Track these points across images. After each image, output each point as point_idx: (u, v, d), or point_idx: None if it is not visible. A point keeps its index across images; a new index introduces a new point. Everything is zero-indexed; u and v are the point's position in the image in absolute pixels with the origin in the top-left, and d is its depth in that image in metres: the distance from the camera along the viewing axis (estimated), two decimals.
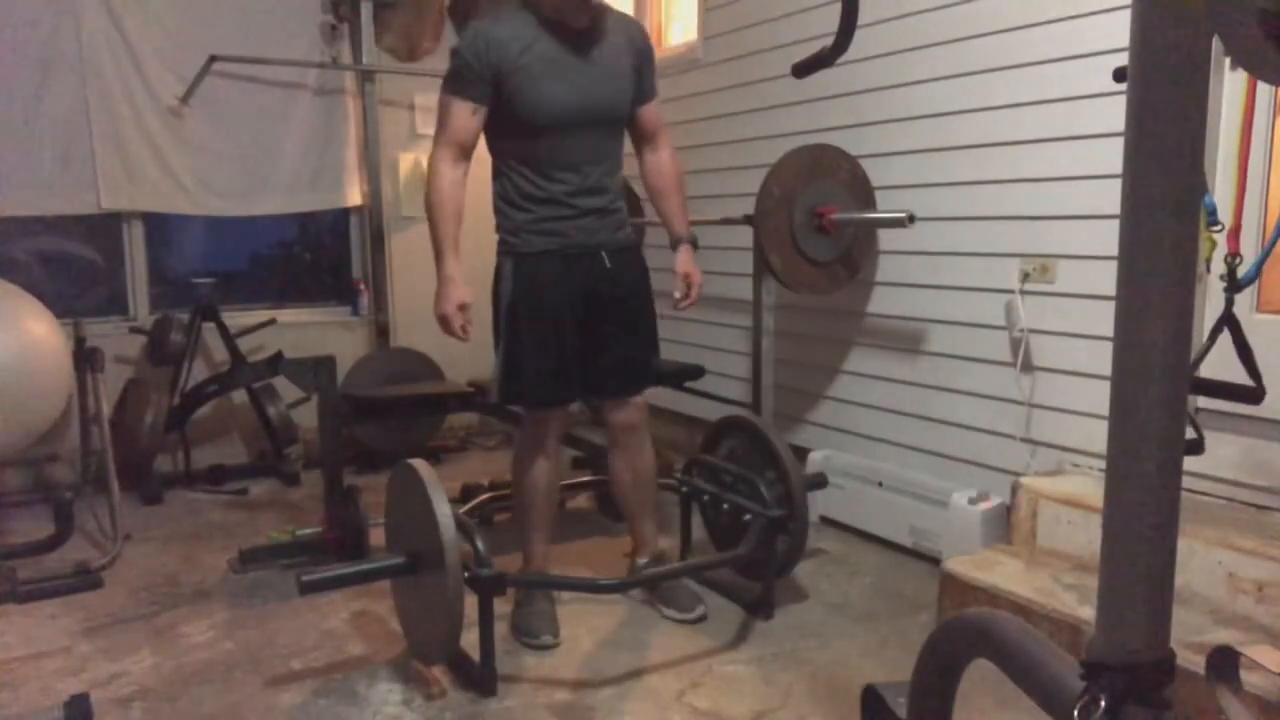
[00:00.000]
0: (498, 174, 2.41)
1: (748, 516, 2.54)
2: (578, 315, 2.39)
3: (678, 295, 2.54)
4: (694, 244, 2.59)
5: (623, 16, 2.45)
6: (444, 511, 2.04)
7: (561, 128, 2.30)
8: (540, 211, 2.34)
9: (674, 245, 2.56)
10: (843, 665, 2.28)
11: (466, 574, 2.09)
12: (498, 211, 2.41)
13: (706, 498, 2.75)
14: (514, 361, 2.36)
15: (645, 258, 2.58)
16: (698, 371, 3.46)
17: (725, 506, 2.66)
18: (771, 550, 2.52)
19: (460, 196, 2.31)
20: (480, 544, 2.15)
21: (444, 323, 2.32)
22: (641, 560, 2.65)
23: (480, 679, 2.15)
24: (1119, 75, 1.63)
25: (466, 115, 2.28)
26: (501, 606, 2.36)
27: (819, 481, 2.88)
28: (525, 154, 2.33)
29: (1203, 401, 2.34)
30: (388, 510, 2.35)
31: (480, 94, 2.26)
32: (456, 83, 2.28)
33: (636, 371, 2.51)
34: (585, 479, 3.31)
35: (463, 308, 2.30)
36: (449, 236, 2.30)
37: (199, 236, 4.37)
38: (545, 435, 2.41)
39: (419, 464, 2.17)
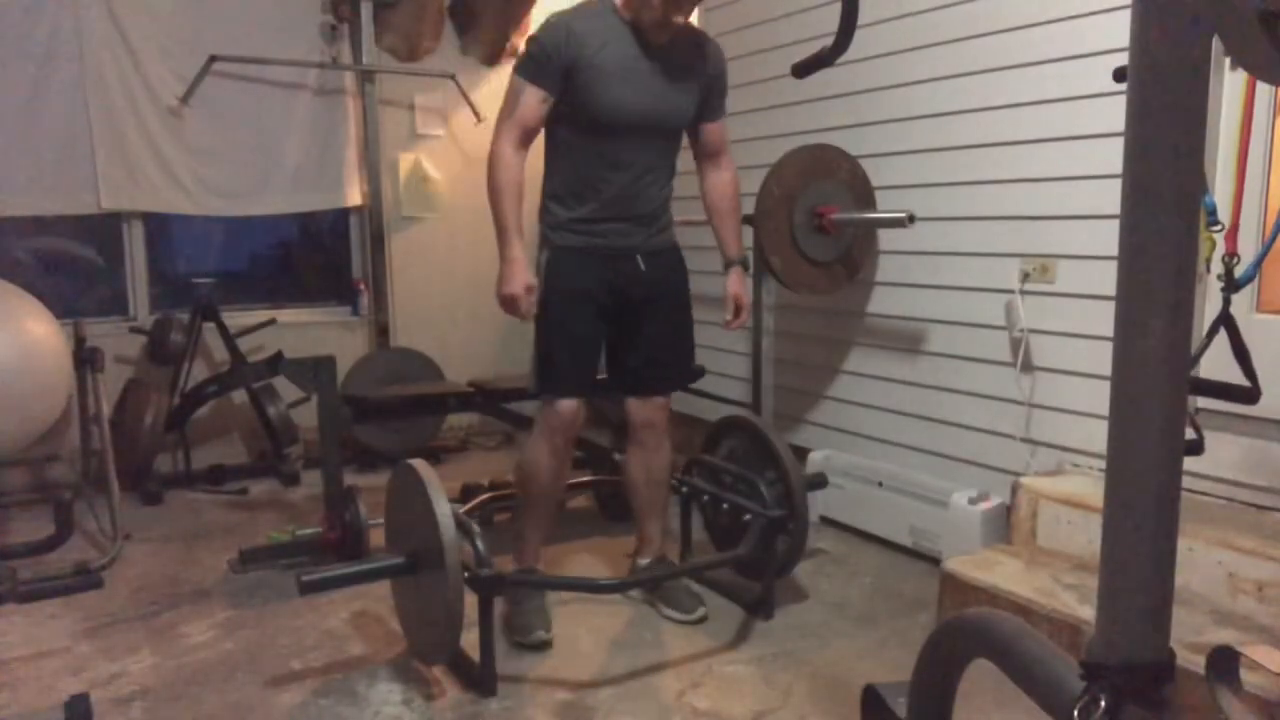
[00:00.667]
0: (549, 166, 2.42)
1: (748, 516, 2.54)
2: (608, 314, 2.42)
3: (727, 317, 2.56)
4: (745, 266, 2.60)
5: (702, 34, 2.46)
6: (444, 511, 2.04)
7: (622, 130, 2.32)
8: (582, 211, 2.36)
9: (726, 266, 2.57)
10: (843, 665, 2.28)
11: (466, 574, 2.09)
12: (543, 205, 2.43)
13: (706, 498, 2.75)
14: (546, 354, 2.39)
15: (685, 259, 2.58)
16: (698, 371, 3.46)
17: (725, 506, 2.66)
18: (771, 550, 2.52)
19: (521, 179, 2.31)
20: (480, 544, 2.15)
21: (509, 304, 2.29)
22: (644, 560, 2.65)
23: (480, 679, 2.15)
24: (1119, 75, 1.63)
25: (536, 102, 2.27)
26: (498, 606, 2.37)
27: (819, 481, 2.88)
28: (580, 150, 2.34)
29: (1202, 401, 2.34)
30: (388, 510, 2.35)
31: (553, 83, 2.26)
32: (532, 68, 2.26)
33: (666, 371, 2.53)
34: (585, 479, 3.31)
35: (529, 289, 2.29)
36: (512, 218, 2.29)
37: (199, 236, 4.37)
38: (558, 427, 2.39)
39: (419, 464, 2.17)
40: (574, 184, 2.36)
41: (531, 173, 2.37)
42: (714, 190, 2.58)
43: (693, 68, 2.38)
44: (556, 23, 2.27)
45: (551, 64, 2.24)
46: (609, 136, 2.32)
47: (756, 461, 2.66)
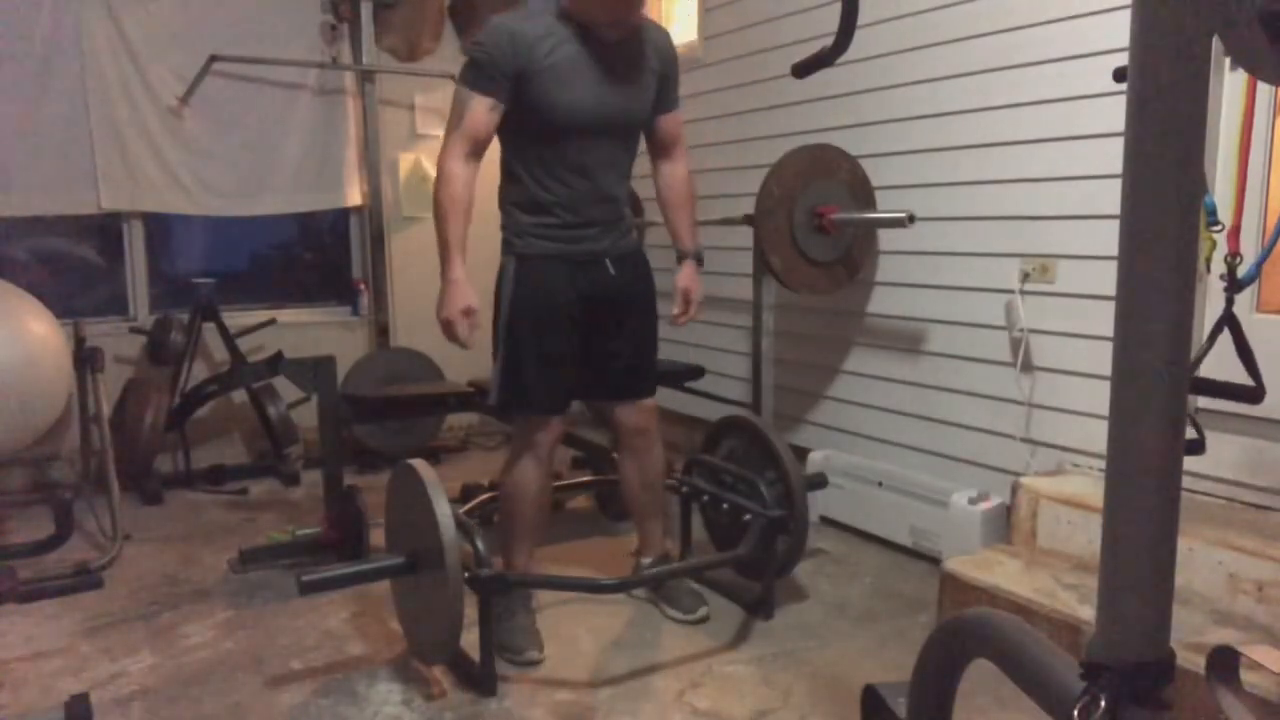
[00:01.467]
0: (507, 173, 2.37)
1: (748, 516, 2.53)
2: (580, 321, 2.36)
3: (676, 311, 2.52)
4: (699, 259, 2.57)
5: (651, 24, 2.40)
6: (444, 511, 2.04)
7: (578, 132, 2.26)
8: (546, 218, 2.31)
9: (679, 259, 2.54)
10: (843, 665, 2.28)
11: (466, 574, 2.09)
12: (504, 211, 2.38)
13: (706, 498, 2.75)
14: (513, 367, 2.32)
15: (648, 260, 2.57)
16: (698, 371, 3.46)
17: (725, 506, 2.66)
18: (771, 550, 2.52)
19: (470, 195, 2.24)
20: (480, 544, 2.15)
21: (447, 328, 2.23)
22: (646, 560, 2.65)
23: (480, 679, 2.14)
24: (1119, 75, 1.63)
25: (484, 111, 2.20)
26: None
27: (819, 481, 2.88)
28: (537, 155, 2.29)
29: (1203, 401, 2.34)
30: (388, 510, 2.35)
31: (501, 90, 2.19)
32: (476, 76, 2.18)
33: (643, 374, 2.50)
34: (585, 479, 3.31)
35: (467, 313, 2.23)
36: (456, 237, 2.22)
37: (199, 236, 4.38)
38: (539, 444, 2.35)
39: (419, 464, 2.17)
40: (535, 190, 2.31)
41: (487, 181, 2.33)
42: (669, 184, 2.53)
43: (643, 62, 2.34)
44: (500, 28, 2.18)
45: (496, 69, 2.17)
46: (567, 139, 2.26)
47: (756, 461, 2.65)
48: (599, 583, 2.49)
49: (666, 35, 2.45)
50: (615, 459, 3.36)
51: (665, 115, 2.47)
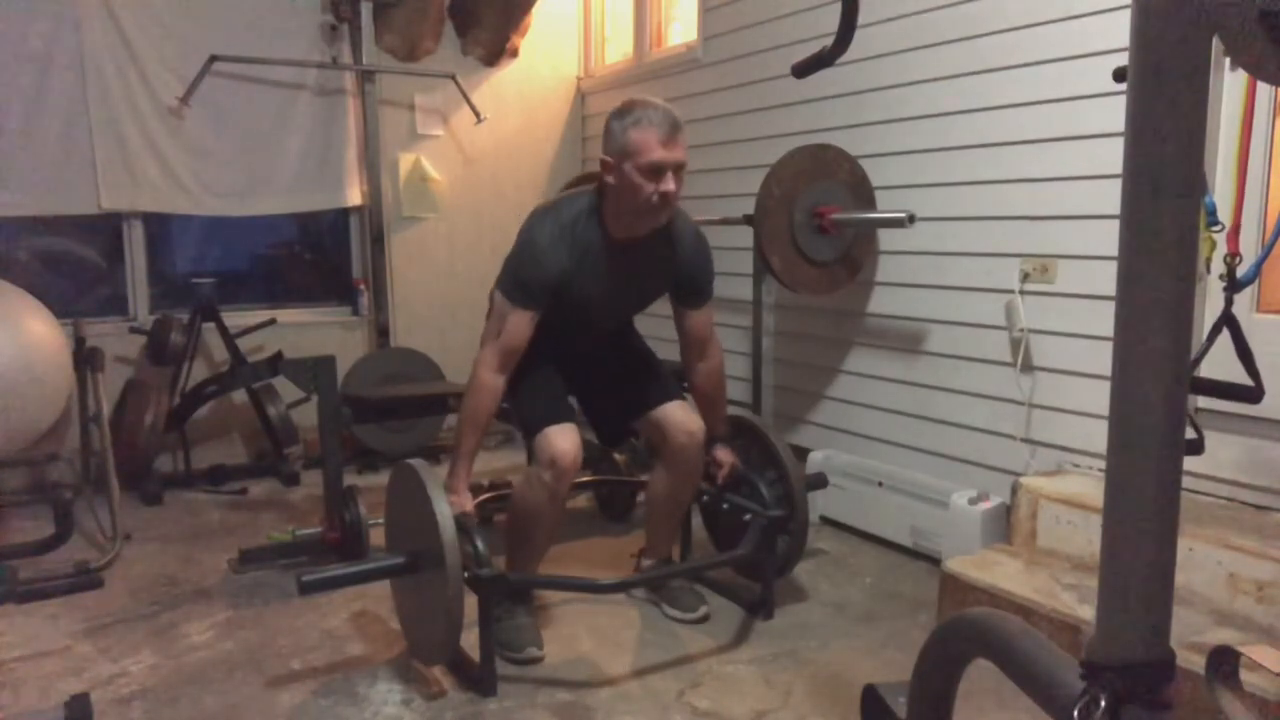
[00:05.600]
0: None
1: (748, 516, 2.54)
2: (567, 378, 2.49)
3: (721, 474, 2.58)
4: (729, 440, 2.63)
5: (687, 227, 2.41)
6: (444, 511, 2.04)
7: (588, 321, 2.41)
8: (542, 360, 2.41)
9: (712, 443, 2.56)
10: (843, 665, 2.28)
11: (466, 574, 2.09)
12: None
13: (706, 498, 2.75)
14: (523, 405, 2.40)
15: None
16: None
17: (725, 506, 2.66)
18: (771, 550, 2.52)
19: (495, 406, 2.31)
20: (480, 544, 2.15)
21: None
22: (649, 562, 2.65)
23: (480, 679, 2.14)
24: (1119, 75, 1.63)
25: (525, 324, 2.26)
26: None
27: (819, 481, 2.88)
28: (544, 336, 2.34)
29: (1203, 401, 2.34)
30: (387, 510, 2.35)
31: (537, 304, 2.26)
32: (519, 293, 2.25)
33: (658, 378, 2.53)
34: (585, 479, 3.31)
35: (463, 514, 2.22)
36: (468, 449, 2.29)
37: (199, 236, 4.37)
38: (559, 474, 2.24)
39: (419, 464, 2.17)
40: (534, 346, 2.34)
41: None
42: (701, 380, 2.56)
43: (664, 254, 2.37)
44: (543, 249, 2.23)
45: (540, 289, 2.24)
46: (576, 326, 2.41)
47: (757, 461, 2.66)
48: (598, 583, 2.49)
49: (699, 239, 2.44)
50: (616, 459, 3.38)
51: (694, 313, 2.48)
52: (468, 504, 2.28)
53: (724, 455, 2.58)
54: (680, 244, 2.38)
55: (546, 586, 2.51)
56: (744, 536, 2.51)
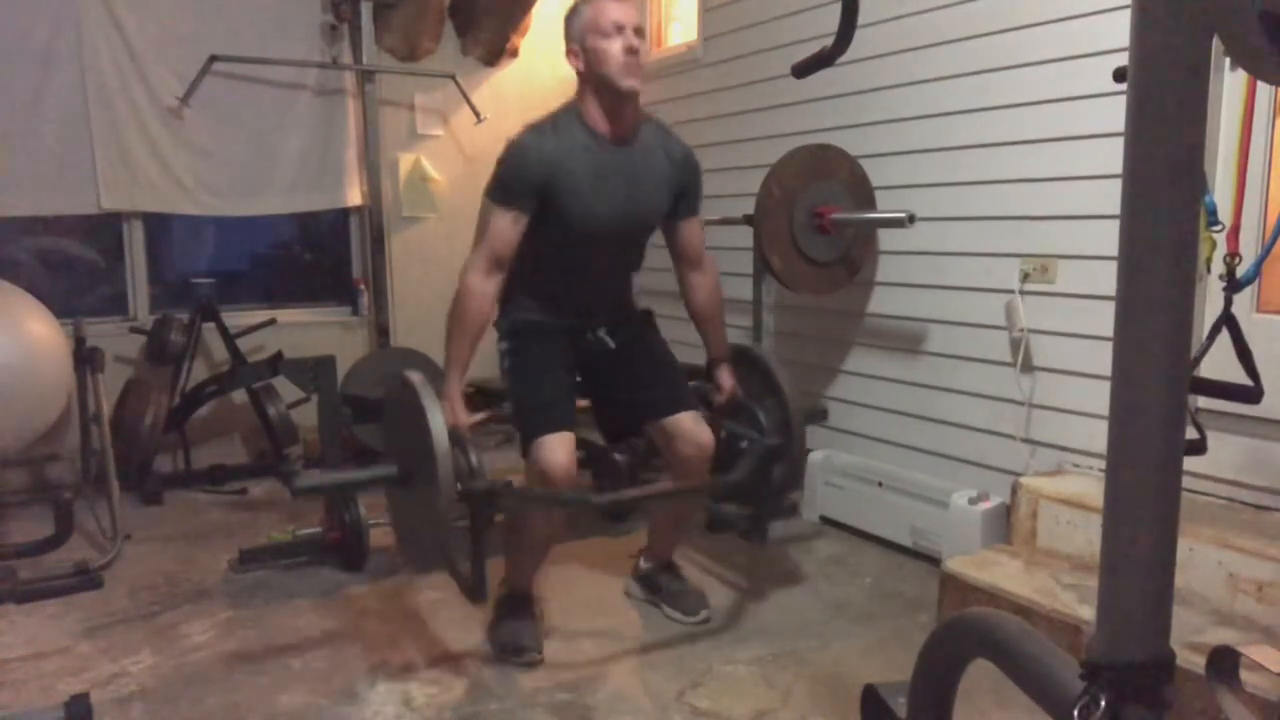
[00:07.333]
0: (514, 268, 2.32)
1: (744, 443, 2.50)
2: (583, 373, 2.43)
3: (720, 400, 2.54)
4: (730, 363, 2.60)
5: (665, 134, 2.42)
6: (437, 421, 2.01)
7: (588, 239, 2.31)
8: (545, 304, 2.37)
9: (715, 364, 2.55)
10: (843, 665, 2.28)
11: (460, 486, 2.05)
12: (501, 310, 2.39)
13: None
14: (518, 410, 2.33)
15: (650, 315, 2.58)
16: (699, 372, 3.45)
17: (723, 435, 2.58)
18: (767, 478, 2.47)
19: (486, 312, 2.28)
20: (474, 456, 2.12)
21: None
22: (647, 564, 2.65)
23: (471, 587, 2.10)
24: (1119, 75, 1.63)
25: (509, 224, 2.24)
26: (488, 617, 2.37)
27: (819, 414, 2.83)
28: (549, 257, 2.32)
29: (1203, 401, 2.34)
30: (385, 426, 2.31)
31: (523, 205, 2.24)
32: (502, 192, 2.24)
33: (676, 385, 2.46)
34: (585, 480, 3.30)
35: (458, 426, 2.20)
36: (459, 356, 2.26)
37: (199, 236, 4.38)
38: (548, 467, 2.20)
39: (416, 377, 2.14)
40: (533, 276, 2.33)
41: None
42: (698, 297, 2.53)
43: (660, 168, 2.36)
44: (524, 148, 2.24)
45: (523, 185, 2.22)
46: (579, 244, 2.31)
47: (757, 391, 2.60)
48: (589, 499, 2.37)
49: (686, 149, 2.46)
50: (616, 459, 3.37)
51: (686, 221, 2.47)
52: (462, 415, 2.23)
53: (725, 379, 2.54)
54: (672, 153, 2.40)
55: (535, 504, 2.37)
56: (739, 463, 2.46)
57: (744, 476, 2.43)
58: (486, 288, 2.25)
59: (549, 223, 2.26)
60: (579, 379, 2.46)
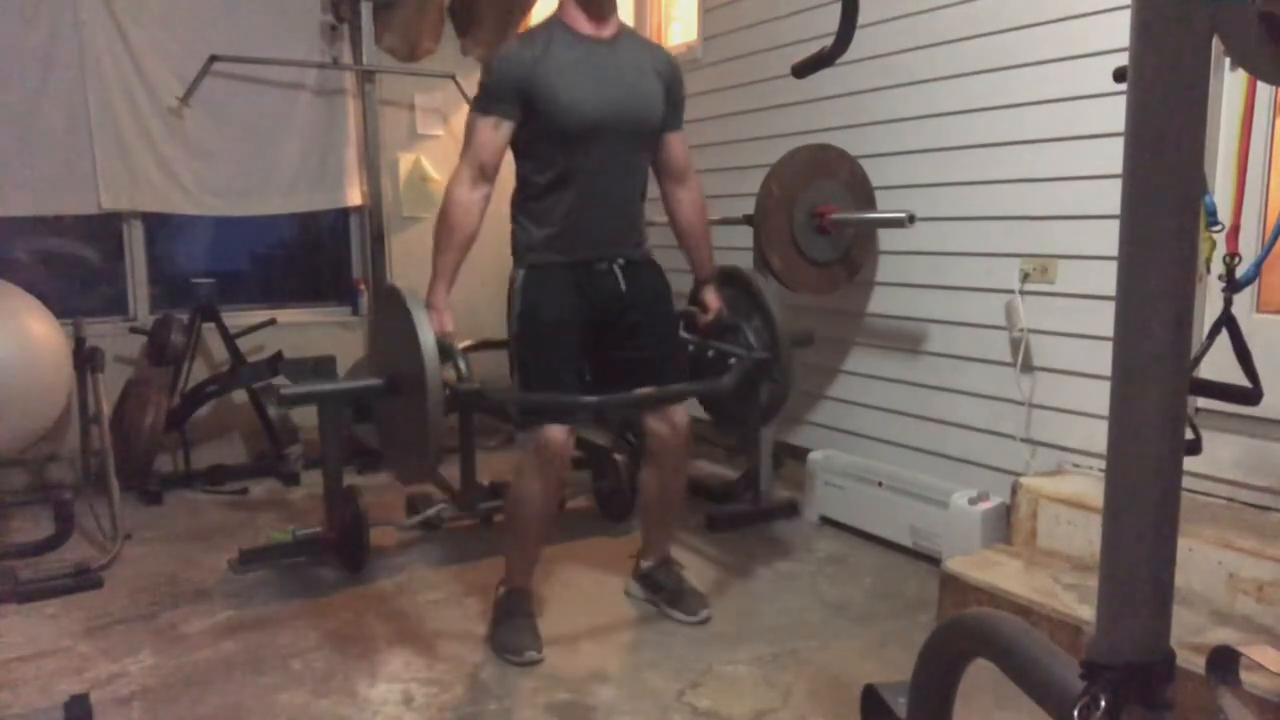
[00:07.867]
0: (518, 183, 2.36)
1: (733, 360, 2.49)
2: (592, 330, 2.35)
3: (708, 318, 2.54)
4: (717, 281, 2.59)
5: (648, 42, 2.42)
6: (424, 326, 2.00)
7: (588, 132, 2.25)
8: (554, 228, 2.31)
9: (701, 285, 2.54)
10: (843, 665, 2.28)
11: (447, 390, 2.03)
12: (514, 222, 2.37)
13: (691, 347, 2.65)
14: (523, 382, 2.31)
15: (661, 268, 2.51)
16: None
17: (710, 355, 2.57)
18: (754, 394, 2.45)
19: (471, 224, 2.26)
20: (462, 363, 2.10)
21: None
22: (647, 563, 2.64)
23: (461, 495, 2.10)
24: (1119, 75, 1.63)
25: (489, 130, 2.23)
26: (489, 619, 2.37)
27: (804, 339, 2.83)
28: (549, 161, 2.28)
29: (1202, 402, 2.34)
30: (372, 339, 2.32)
31: (504, 109, 2.22)
32: (481, 100, 2.26)
33: (665, 378, 2.42)
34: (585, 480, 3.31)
35: (443, 334, 2.22)
36: (445, 266, 2.24)
37: (199, 236, 4.37)
38: (546, 453, 2.26)
39: (403, 287, 2.13)
40: (543, 198, 2.31)
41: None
42: (683, 211, 2.51)
43: (647, 65, 2.35)
44: (500, 55, 2.25)
45: (499, 89, 2.22)
46: (576, 141, 2.25)
47: (744, 310, 2.60)
48: (578, 399, 2.30)
49: (669, 55, 2.46)
50: (616, 459, 3.37)
51: (671, 134, 2.46)
52: (448, 322, 2.24)
53: (711, 298, 2.53)
54: (658, 56, 2.40)
55: (523, 405, 2.34)
56: (728, 374, 2.45)
57: (732, 384, 2.42)
58: (473, 198, 2.25)
59: (541, 121, 2.23)
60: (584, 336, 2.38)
